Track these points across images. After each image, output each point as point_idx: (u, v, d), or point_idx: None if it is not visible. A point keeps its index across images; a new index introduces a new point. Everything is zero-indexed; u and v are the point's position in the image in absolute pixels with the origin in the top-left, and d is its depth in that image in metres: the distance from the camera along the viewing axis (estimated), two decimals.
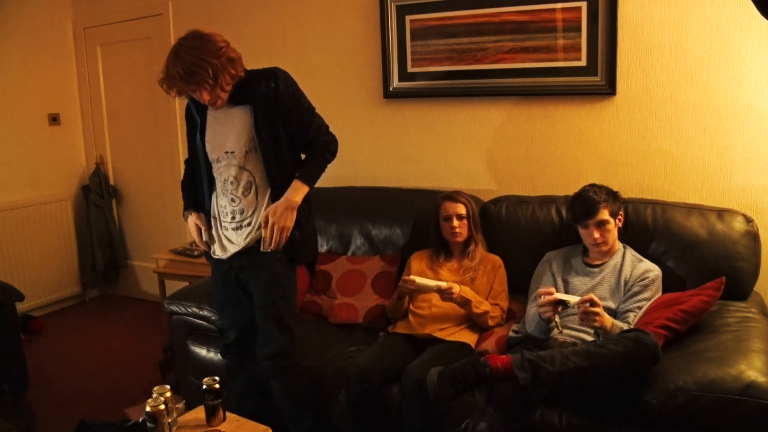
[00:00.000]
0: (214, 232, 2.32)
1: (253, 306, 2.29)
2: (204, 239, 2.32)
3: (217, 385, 1.99)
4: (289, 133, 2.21)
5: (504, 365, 1.88)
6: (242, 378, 2.41)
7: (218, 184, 2.27)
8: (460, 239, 2.59)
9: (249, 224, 2.22)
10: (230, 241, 2.27)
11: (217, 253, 2.30)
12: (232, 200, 2.23)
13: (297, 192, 2.18)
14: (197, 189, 2.36)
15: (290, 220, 2.17)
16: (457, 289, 2.38)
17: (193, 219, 2.32)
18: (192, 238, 2.39)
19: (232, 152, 2.19)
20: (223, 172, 2.23)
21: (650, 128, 2.71)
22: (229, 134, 2.20)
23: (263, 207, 2.21)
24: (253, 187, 2.21)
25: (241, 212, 2.23)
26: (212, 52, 2.03)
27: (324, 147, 2.25)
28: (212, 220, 2.32)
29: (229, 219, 2.25)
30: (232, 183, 2.21)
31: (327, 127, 2.29)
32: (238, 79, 2.14)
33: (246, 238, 2.22)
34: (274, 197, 2.20)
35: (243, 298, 2.31)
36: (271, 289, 2.23)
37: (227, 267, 2.29)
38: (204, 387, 1.99)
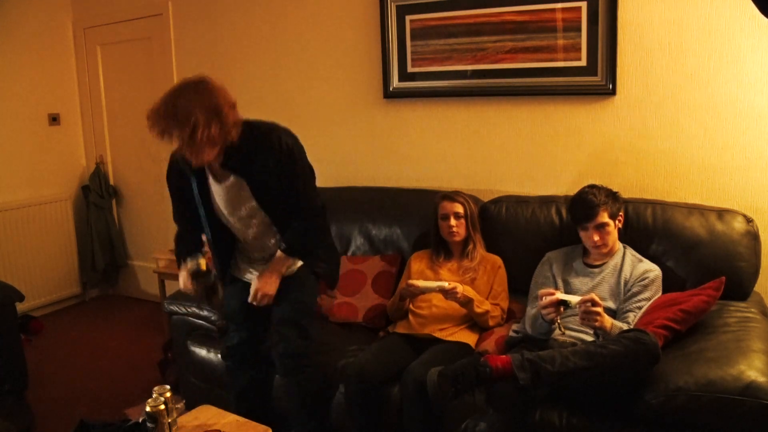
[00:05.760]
0: (241, 263, 2.39)
1: (264, 315, 2.31)
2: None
3: (204, 265, 2.03)
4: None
5: (504, 365, 1.88)
6: (242, 379, 2.41)
7: (240, 242, 2.34)
8: (457, 238, 2.58)
9: (272, 255, 2.29)
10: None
11: (248, 277, 2.36)
12: (262, 248, 2.32)
13: (279, 264, 2.25)
14: (198, 242, 2.35)
15: (272, 288, 2.23)
16: (460, 288, 2.38)
17: (186, 278, 2.23)
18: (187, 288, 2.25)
19: (248, 216, 2.23)
20: (244, 232, 2.28)
21: (650, 128, 2.71)
22: (239, 205, 2.21)
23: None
24: (271, 232, 2.28)
25: (272, 256, 2.29)
26: (205, 105, 1.93)
27: (311, 230, 2.27)
28: (235, 258, 2.39)
29: (263, 263, 2.33)
30: (256, 239, 2.29)
31: (319, 204, 2.25)
32: (228, 143, 2.04)
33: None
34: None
35: (255, 307, 2.31)
36: (296, 296, 2.28)
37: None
38: (194, 271, 2.01)
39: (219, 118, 1.95)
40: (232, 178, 2.16)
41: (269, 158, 2.09)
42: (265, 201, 2.18)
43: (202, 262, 2.05)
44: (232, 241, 2.36)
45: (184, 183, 2.25)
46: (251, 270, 2.37)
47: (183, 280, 2.22)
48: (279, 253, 2.24)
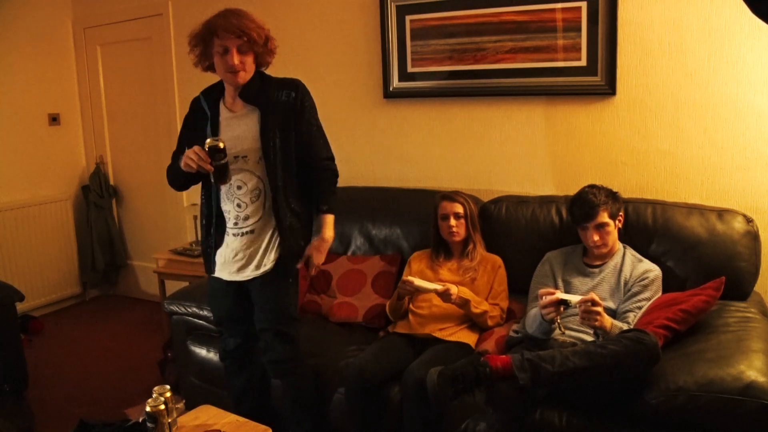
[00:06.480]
0: (213, 241, 2.29)
1: (252, 316, 2.29)
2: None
3: (222, 144, 2.02)
4: (299, 147, 2.21)
5: (504, 365, 1.88)
6: (241, 379, 2.42)
7: (223, 188, 2.23)
8: (457, 239, 2.58)
9: (252, 231, 2.21)
10: (232, 254, 2.24)
11: (218, 271, 2.29)
12: (238, 205, 2.21)
13: (331, 227, 2.27)
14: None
15: (323, 256, 2.29)
16: (455, 290, 2.38)
17: (203, 152, 2.05)
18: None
19: (244, 157, 2.17)
20: (231, 175, 2.21)
21: (650, 128, 2.71)
22: (244, 138, 2.17)
23: (264, 215, 2.21)
24: (262, 195, 2.19)
25: (245, 218, 2.21)
26: (268, 35, 2.17)
27: (333, 176, 2.30)
28: (213, 225, 2.27)
29: (231, 224, 2.24)
30: (239, 188, 2.19)
31: (333, 154, 2.32)
32: (261, 71, 2.21)
33: (248, 266, 2.23)
34: (274, 206, 2.19)
35: (243, 312, 2.31)
36: (269, 306, 2.24)
37: (227, 282, 2.29)
38: (208, 147, 2.01)
39: (270, 48, 2.21)
40: (245, 110, 2.20)
41: (291, 93, 2.19)
42: (269, 139, 2.15)
43: (221, 143, 2.03)
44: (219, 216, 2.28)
45: (201, 126, 2.24)
46: (224, 266, 2.29)
47: (196, 154, 2.03)
48: (322, 217, 2.24)
